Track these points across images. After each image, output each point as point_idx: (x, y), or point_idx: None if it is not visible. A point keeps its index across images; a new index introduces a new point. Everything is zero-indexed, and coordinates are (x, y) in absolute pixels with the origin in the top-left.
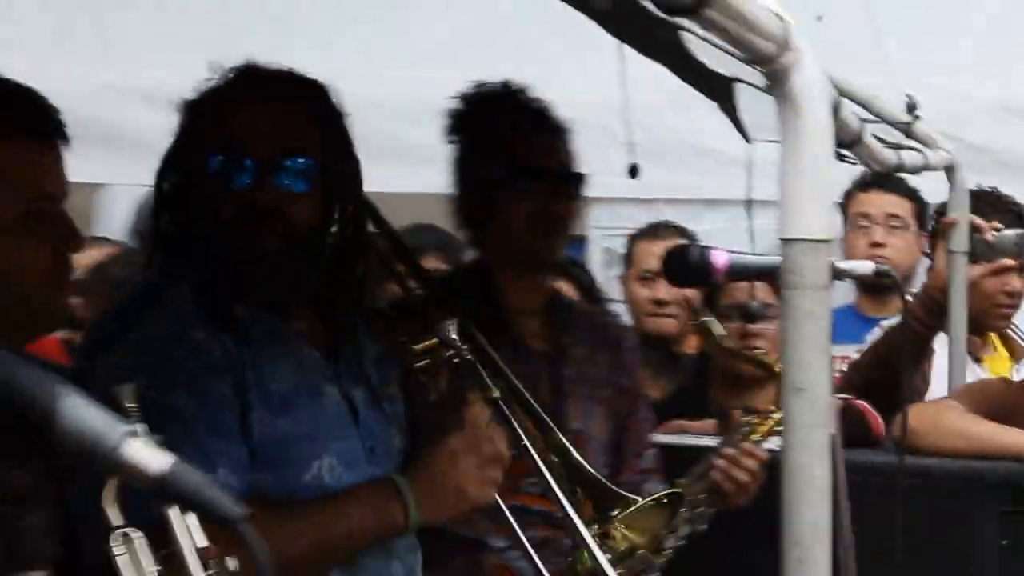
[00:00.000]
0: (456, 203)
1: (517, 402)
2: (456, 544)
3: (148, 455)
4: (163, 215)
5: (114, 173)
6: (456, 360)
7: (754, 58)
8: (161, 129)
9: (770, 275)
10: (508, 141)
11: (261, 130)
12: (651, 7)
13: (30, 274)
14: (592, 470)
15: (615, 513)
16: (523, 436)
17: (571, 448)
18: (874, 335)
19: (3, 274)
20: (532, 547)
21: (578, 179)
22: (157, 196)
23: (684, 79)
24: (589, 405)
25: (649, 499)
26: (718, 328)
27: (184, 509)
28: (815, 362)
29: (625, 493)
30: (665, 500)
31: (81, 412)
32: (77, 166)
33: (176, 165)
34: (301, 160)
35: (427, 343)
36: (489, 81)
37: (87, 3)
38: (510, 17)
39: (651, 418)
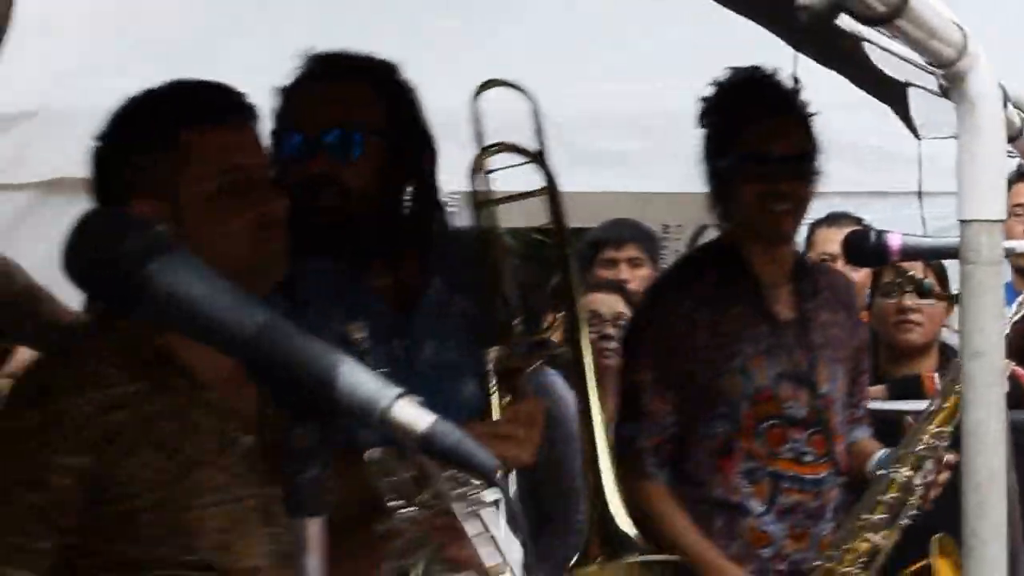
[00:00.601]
0: (704, 184)
1: (587, 437)
2: (716, 508)
3: (414, 415)
4: None
5: None
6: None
7: (936, 63)
8: None
9: (938, 255)
10: (739, 128)
11: (320, 106)
12: (843, 19)
13: (237, 238)
14: (617, 520)
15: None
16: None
17: (607, 495)
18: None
19: (215, 241)
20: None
21: (807, 159)
22: None
23: (859, 85)
24: (834, 368)
25: (650, 557)
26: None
27: (445, 462)
28: (991, 328)
29: (633, 543)
30: (659, 565)
31: (356, 377)
32: None
33: (271, 145)
34: (355, 130)
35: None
36: (742, 67)
37: None
38: (684, 30)
39: (869, 369)
